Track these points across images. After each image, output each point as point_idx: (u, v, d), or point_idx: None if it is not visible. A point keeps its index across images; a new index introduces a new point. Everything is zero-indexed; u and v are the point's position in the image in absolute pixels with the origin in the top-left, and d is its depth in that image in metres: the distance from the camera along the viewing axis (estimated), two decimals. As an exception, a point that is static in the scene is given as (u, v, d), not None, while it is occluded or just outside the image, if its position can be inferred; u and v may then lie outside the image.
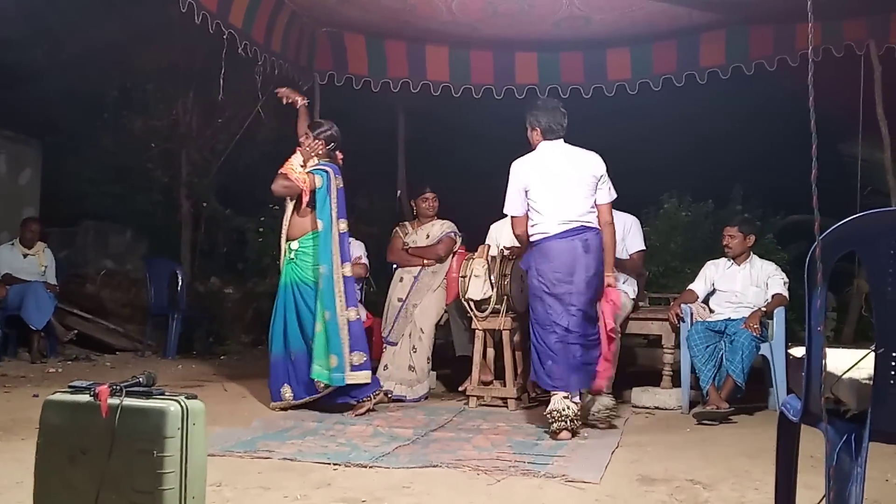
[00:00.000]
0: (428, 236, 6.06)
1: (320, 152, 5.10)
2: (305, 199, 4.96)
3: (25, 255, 7.37)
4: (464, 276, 5.33)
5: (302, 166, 5.01)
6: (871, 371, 1.80)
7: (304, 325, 4.97)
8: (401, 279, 6.04)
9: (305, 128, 5.20)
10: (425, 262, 5.98)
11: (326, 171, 5.00)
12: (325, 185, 4.96)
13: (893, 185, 6.28)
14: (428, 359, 5.72)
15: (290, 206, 5.07)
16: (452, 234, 6.03)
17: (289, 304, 5.02)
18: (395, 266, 6.21)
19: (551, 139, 4.63)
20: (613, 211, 4.73)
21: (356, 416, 4.78)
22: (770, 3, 5.88)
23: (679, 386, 5.36)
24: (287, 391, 4.95)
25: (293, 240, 5.05)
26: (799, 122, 1.96)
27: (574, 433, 4.23)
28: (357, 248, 6.10)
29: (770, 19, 6.39)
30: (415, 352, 5.69)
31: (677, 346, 5.42)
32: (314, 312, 4.90)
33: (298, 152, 5.08)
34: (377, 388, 5.02)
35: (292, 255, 5.04)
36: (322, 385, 4.85)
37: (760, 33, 6.59)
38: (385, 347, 5.81)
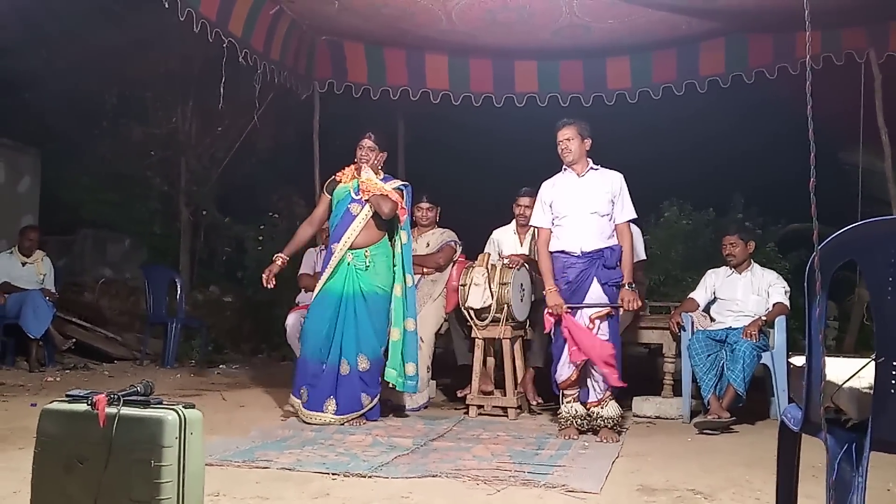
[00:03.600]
0: (427, 245, 6.04)
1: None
2: (405, 216, 5.00)
3: (24, 264, 7.36)
4: (463, 285, 5.32)
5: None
6: (872, 380, 1.78)
7: (363, 338, 4.84)
8: (401, 288, 6.02)
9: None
10: (425, 270, 5.95)
11: (406, 185, 5.07)
12: (407, 200, 5.04)
13: (894, 193, 6.26)
14: (428, 368, 5.70)
15: (361, 216, 4.91)
16: (452, 242, 6.01)
17: (349, 315, 4.85)
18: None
19: None
20: None
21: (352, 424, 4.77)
22: (769, 11, 5.89)
23: (680, 395, 5.34)
24: (331, 404, 4.77)
25: (361, 248, 4.91)
26: (800, 130, 1.95)
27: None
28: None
29: (769, 28, 6.40)
30: (414, 361, 5.67)
31: (678, 354, 5.40)
32: (387, 321, 4.92)
33: (369, 168, 4.94)
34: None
35: (363, 264, 4.90)
36: (367, 401, 4.82)
37: (760, 42, 6.60)
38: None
